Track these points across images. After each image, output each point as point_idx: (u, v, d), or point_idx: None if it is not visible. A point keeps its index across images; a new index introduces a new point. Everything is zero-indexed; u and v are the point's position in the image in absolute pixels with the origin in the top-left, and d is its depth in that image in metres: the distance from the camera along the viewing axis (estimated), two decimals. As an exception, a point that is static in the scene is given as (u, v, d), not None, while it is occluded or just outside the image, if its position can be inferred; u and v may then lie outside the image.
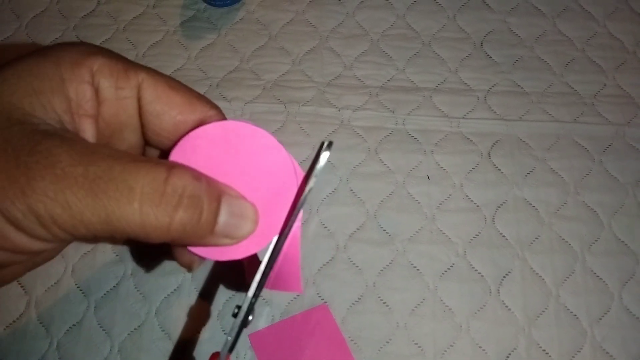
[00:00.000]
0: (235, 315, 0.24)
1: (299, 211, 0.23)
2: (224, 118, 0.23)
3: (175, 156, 0.22)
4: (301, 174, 0.23)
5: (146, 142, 0.24)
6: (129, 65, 0.23)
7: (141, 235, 0.19)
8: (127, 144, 0.24)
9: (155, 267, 0.41)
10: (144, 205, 0.19)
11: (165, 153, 0.23)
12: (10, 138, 0.18)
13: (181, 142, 0.22)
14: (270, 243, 0.23)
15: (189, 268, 0.26)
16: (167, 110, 0.23)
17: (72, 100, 0.21)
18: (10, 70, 0.20)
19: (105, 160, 0.19)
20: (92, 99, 0.22)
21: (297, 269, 0.25)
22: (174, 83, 0.23)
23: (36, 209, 0.18)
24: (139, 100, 0.23)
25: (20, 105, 0.19)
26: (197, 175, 0.20)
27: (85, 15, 0.50)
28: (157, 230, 0.19)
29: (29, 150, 0.18)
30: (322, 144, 0.23)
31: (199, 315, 0.40)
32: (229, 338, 0.24)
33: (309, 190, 0.23)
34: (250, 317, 0.24)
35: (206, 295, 0.40)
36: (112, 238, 0.20)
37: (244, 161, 0.22)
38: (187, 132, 0.22)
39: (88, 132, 0.22)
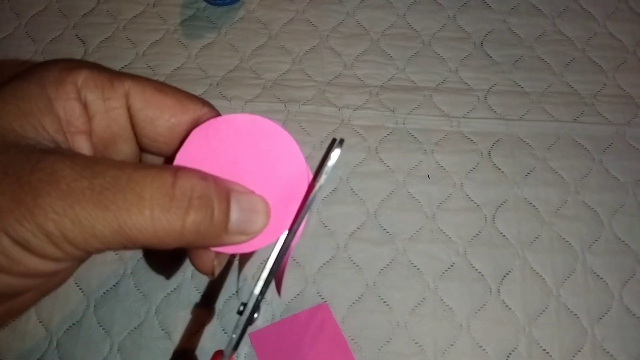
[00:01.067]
0: (240, 313, 0.23)
1: (309, 209, 0.22)
2: (217, 114, 0.23)
3: (180, 159, 0.22)
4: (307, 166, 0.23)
5: (142, 150, 0.24)
6: (114, 75, 0.22)
7: (154, 242, 0.19)
8: (122, 155, 0.23)
9: (156, 265, 0.41)
10: (155, 212, 0.18)
11: (167, 159, 0.23)
12: (9, 160, 0.18)
13: (184, 145, 0.22)
14: (277, 240, 0.23)
15: (211, 274, 0.25)
16: (159, 114, 0.22)
17: (62, 118, 0.20)
18: None
19: (109, 171, 0.18)
20: (82, 114, 0.21)
21: (283, 273, 0.25)
22: (161, 86, 0.23)
23: (46, 227, 0.17)
24: (129, 108, 0.22)
25: (11, 128, 0.19)
26: (203, 176, 0.20)
27: (85, 14, 0.50)
28: (171, 235, 0.19)
29: (31, 169, 0.18)
30: (334, 140, 0.22)
31: (200, 314, 0.40)
32: (234, 336, 0.23)
33: (319, 188, 0.22)
34: (255, 315, 0.23)
35: (206, 294, 0.40)
36: (125, 248, 0.19)
37: (251, 155, 0.22)
38: (186, 133, 0.22)
39: (83, 148, 0.21)
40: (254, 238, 0.22)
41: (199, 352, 0.39)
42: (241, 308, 0.23)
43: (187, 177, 0.19)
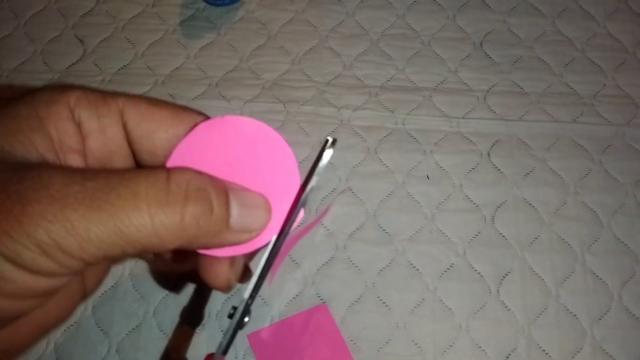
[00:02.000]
0: (231, 316, 0.23)
1: (299, 210, 0.22)
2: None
3: (172, 161, 0.22)
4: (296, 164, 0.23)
5: (140, 166, 0.23)
6: (106, 93, 0.22)
7: (155, 241, 0.18)
8: None
9: (154, 266, 0.41)
10: (152, 207, 0.17)
11: None
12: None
13: (174, 153, 0.22)
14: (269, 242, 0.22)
15: (227, 287, 0.23)
16: (156, 127, 0.22)
17: (54, 137, 0.20)
18: None
19: (100, 174, 0.18)
20: (75, 133, 0.20)
21: (277, 267, 0.24)
22: (155, 101, 0.22)
23: (37, 235, 0.16)
24: (125, 125, 0.21)
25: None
26: (198, 171, 0.20)
27: (84, 14, 0.49)
28: (171, 231, 0.18)
29: (18, 178, 0.17)
30: (326, 141, 0.22)
31: (192, 316, 0.40)
32: (224, 340, 0.23)
33: (311, 189, 0.22)
34: (246, 319, 0.23)
35: (204, 295, 0.40)
36: (124, 253, 0.18)
37: (242, 157, 0.22)
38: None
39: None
40: (257, 236, 0.21)
41: (197, 353, 0.39)
42: (231, 311, 0.23)
43: (181, 171, 0.19)
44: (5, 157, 0.18)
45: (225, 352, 0.23)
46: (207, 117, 0.23)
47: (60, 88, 0.21)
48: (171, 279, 0.41)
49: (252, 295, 0.22)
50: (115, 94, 0.21)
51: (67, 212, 0.16)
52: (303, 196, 0.22)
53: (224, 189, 0.20)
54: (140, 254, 0.20)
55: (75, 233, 0.16)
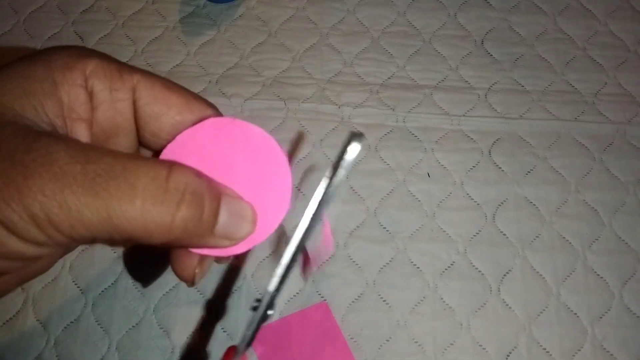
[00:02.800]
0: (254, 309, 0.22)
1: (327, 203, 0.21)
2: (219, 116, 0.23)
3: (167, 153, 0.22)
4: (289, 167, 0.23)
5: (141, 145, 0.24)
6: (124, 67, 0.22)
7: (142, 234, 0.18)
8: (121, 148, 0.23)
9: (153, 264, 0.41)
10: (146, 203, 0.18)
11: (159, 154, 0.23)
12: (4, 138, 0.18)
13: (170, 145, 0.22)
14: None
15: (191, 282, 0.24)
16: (165, 111, 0.22)
17: (65, 103, 0.20)
18: (3, 73, 0.20)
19: (104, 158, 0.18)
20: (86, 102, 0.21)
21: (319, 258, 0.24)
22: (170, 84, 0.23)
23: (32, 208, 0.17)
24: (135, 102, 0.22)
25: (10, 106, 0.19)
26: (198, 173, 0.20)
27: (84, 11, 0.49)
28: (159, 229, 0.19)
29: (25, 148, 0.18)
30: (352, 135, 0.20)
31: (200, 313, 0.40)
32: (248, 332, 0.23)
33: (338, 183, 0.21)
34: (270, 312, 0.22)
35: (204, 292, 0.40)
36: (111, 239, 0.19)
37: (236, 158, 0.22)
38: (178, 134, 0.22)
39: (81, 136, 0.21)
40: (237, 244, 0.22)
41: (215, 347, 0.39)
42: (255, 304, 0.23)
43: (182, 172, 0.19)
44: (17, 119, 0.19)
45: (249, 344, 0.23)
46: (216, 110, 0.23)
47: (78, 53, 0.21)
48: (171, 276, 0.40)
49: (278, 288, 0.22)
50: (132, 69, 0.22)
51: (65, 192, 0.17)
52: (331, 189, 0.21)
53: (217, 195, 0.20)
54: (126, 243, 0.21)
55: (68, 213, 0.17)
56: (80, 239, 0.18)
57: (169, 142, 0.22)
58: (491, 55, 0.48)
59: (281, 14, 0.49)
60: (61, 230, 0.18)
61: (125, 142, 0.23)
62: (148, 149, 0.24)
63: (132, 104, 0.22)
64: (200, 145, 0.22)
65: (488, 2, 0.50)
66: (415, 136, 0.45)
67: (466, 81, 0.47)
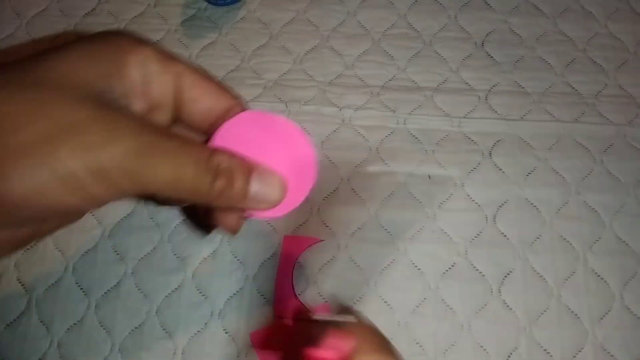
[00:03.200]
0: None
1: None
2: (243, 106, 0.27)
3: (216, 141, 0.26)
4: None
5: (175, 120, 0.28)
6: (171, 55, 0.26)
7: (192, 197, 0.24)
8: (161, 121, 0.27)
9: (157, 265, 0.41)
10: (195, 175, 0.24)
11: (195, 131, 0.28)
12: (95, 109, 0.22)
13: (219, 130, 0.27)
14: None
15: (234, 231, 0.29)
16: (201, 96, 0.27)
17: (130, 82, 0.25)
18: (76, 51, 0.24)
19: (174, 139, 0.23)
20: (143, 82, 0.25)
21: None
22: (207, 74, 0.27)
23: (106, 166, 0.21)
24: (177, 86, 0.26)
25: (93, 84, 0.23)
26: (232, 154, 0.25)
27: (86, 14, 0.50)
28: (202, 194, 0.24)
29: (114, 121, 0.22)
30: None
31: (204, 313, 0.40)
32: None
33: None
34: None
35: (206, 294, 0.40)
36: (162, 195, 0.23)
37: (268, 142, 0.27)
38: (222, 121, 0.27)
39: (138, 109, 0.25)
40: (274, 207, 0.27)
41: (199, 353, 0.39)
42: None
43: (218, 154, 0.25)
44: (101, 97, 0.23)
45: None
46: (240, 100, 0.28)
47: (135, 39, 0.26)
48: (174, 278, 0.41)
49: None
50: (177, 59, 0.27)
51: (140, 158, 0.22)
52: None
53: (249, 169, 0.26)
54: (176, 200, 0.28)
55: (139, 175, 0.22)
56: (135, 193, 0.23)
57: (214, 130, 0.27)
58: (492, 57, 0.48)
59: (282, 16, 0.50)
60: (121, 188, 0.22)
61: (164, 117, 0.27)
62: (182, 124, 0.28)
63: (174, 88, 0.26)
64: (240, 133, 0.27)
65: (488, 4, 0.50)
66: (416, 138, 0.45)
67: (467, 83, 0.47)
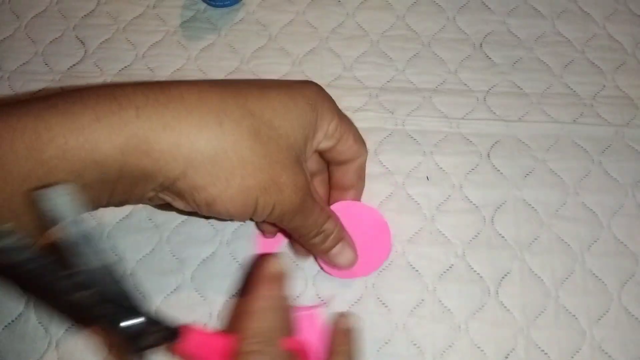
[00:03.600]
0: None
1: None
2: (365, 157, 0.38)
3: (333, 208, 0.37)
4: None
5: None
6: (342, 112, 0.35)
7: (307, 238, 0.35)
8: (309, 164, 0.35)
9: (155, 267, 0.41)
10: (311, 230, 0.34)
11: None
12: (301, 169, 0.31)
13: (335, 205, 0.38)
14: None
15: (304, 258, 0.41)
16: (347, 150, 0.36)
17: (317, 145, 0.33)
18: (280, 103, 0.30)
19: (312, 201, 0.33)
20: (320, 141, 0.34)
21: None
22: (357, 135, 0.37)
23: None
24: (339, 140, 0.35)
25: (297, 147, 0.31)
26: (338, 223, 0.36)
27: (85, 16, 0.50)
28: (311, 242, 0.35)
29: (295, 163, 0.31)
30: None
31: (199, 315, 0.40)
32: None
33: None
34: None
35: (205, 295, 0.40)
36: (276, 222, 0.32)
37: (360, 223, 0.38)
38: (347, 170, 0.38)
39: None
40: (342, 270, 0.38)
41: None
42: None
43: (330, 220, 0.34)
44: (299, 159, 0.31)
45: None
46: (366, 151, 0.39)
47: (323, 92, 0.34)
48: (172, 279, 0.41)
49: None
50: (345, 116, 0.36)
51: (282, 201, 0.30)
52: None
53: (340, 238, 0.36)
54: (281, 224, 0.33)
55: (282, 216, 0.31)
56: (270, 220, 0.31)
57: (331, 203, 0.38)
58: (490, 58, 0.48)
59: (281, 18, 0.50)
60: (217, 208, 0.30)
61: (313, 166, 0.37)
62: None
63: (335, 142, 0.35)
64: (345, 213, 0.37)
65: (487, 6, 0.50)
66: (415, 139, 0.45)
67: (465, 84, 0.47)
